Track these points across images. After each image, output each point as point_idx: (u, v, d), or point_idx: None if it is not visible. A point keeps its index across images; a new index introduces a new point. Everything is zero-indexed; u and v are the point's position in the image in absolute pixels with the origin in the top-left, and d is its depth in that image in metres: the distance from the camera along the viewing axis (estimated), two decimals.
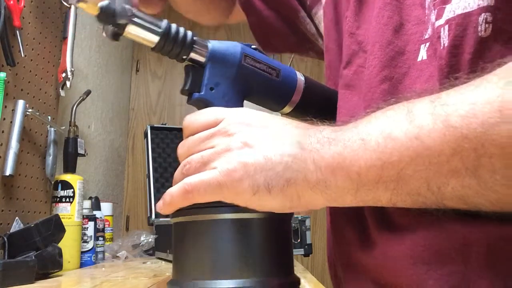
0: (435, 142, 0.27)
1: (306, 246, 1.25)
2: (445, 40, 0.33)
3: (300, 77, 0.48)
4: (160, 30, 0.39)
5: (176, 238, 0.38)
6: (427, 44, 0.36)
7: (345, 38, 0.46)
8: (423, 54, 0.36)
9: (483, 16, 0.31)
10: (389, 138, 0.29)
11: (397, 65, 0.38)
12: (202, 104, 0.41)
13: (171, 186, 0.37)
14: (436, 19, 0.34)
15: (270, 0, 0.62)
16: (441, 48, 0.33)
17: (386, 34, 0.39)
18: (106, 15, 0.37)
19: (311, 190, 0.32)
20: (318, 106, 0.50)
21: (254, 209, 0.34)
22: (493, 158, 0.25)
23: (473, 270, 0.30)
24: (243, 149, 0.34)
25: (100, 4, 0.37)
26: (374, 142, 0.29)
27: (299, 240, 1.25)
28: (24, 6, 0.87)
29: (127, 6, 0.37)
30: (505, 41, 0.30)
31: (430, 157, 0.27)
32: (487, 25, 0.31)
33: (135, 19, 0.38)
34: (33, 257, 0.69)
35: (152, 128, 1.42)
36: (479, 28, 0.31)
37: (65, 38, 1.05)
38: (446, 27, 0.33)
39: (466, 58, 0.32)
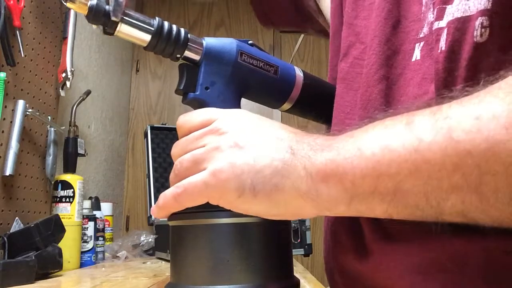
0: (436, 156, 0.25)
1: (306, 246, 1.25)
2: (442, 43, 0.32)
3: (299, 73, 0.47)
4: (152, 29, 0.38)
5: (173, 241, 0.38)
6: (422, 43, 0.35)
7: (344, 29, 0.45)
8: (417, 54, 0.36)
9: (479, 20, 0.30)
10: (387, 149, 0.27)
11: (392, 65, 0.37)
12: (198, 104, 0.40)
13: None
14: (436, 19, 0.33)
15: None
16: (438, 51, 0.32)
17: (385, 30, 0.38)
18: (96, 15, 0.36)
19: (301, 198, 0.31)
20: (318, 102, 0.49)
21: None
22: (496, 176, 0.24)
23: (469, 281, 0.29)
24: (233, 149, 0.33)
25: (90, 3, 0.36)
26: (369, 152, 0.28)
27: (299, 240, 1.25)
28: (24, 6, 0.87)
29: (117, 5, 0.36)
30: (503, 46, 0.29)
31: (429, 171, 0.26)
32: (483, 30, 0.30)
33: (126, 18, 0.37)
34: (33, 257, 0.69)
35: (152, 128, 1.42)
36: (475, 33, 0.30)
37: (65, 38, 1.05)
38: (445, 30, 0.32)
39: (463, 64, 0.31)
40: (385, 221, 0.34)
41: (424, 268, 0.32)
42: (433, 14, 0.34)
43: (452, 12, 0.32)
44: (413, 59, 0.36)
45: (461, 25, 0.31)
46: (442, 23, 0.33)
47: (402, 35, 0.38)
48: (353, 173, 0.28)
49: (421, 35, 0.36)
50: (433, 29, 0.34)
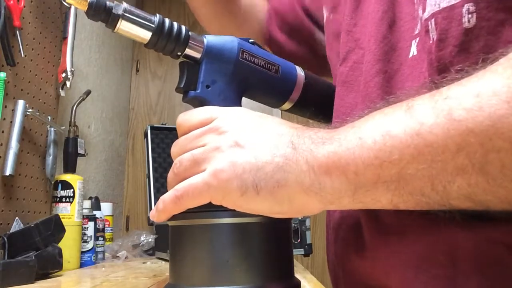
0: (438, 138, 0.25)
1: (306, 246, 1.25)
2: (433, 34, 0.33)
3: (300, 73, 0.47)
4: (152, 26, 0.37)
5: (173, 241, 0.37)
6: (417, 39, 0.36)
7: (342, 36, 0.45)
8: (414, 50, 0.36)
9: (466, 7, 0.30)
10: (388, 135, 0.27)
11: (390, 60, 0.38)
12: (198, 102, 0.40)
13: None
14: (422, 12, 0.34)
15: (289, 31, 0.64)
16: (431, 42, 0.33)
17: (381, 29, 0.39)
18: (96, 11, 0.36)
19: (305, 193, 0.30)
20: (319, 102, 0.49)
21: (251, 213, 0.33)
22: (501, 152, 0.23)
23: (461, 274, 0.29)
24: (234, 148, 0.32)
25: None
26: (371, 140, 0.28)
27: (299, 240, 1.25)
28: (24, 6, 0.87)
29: (118, 1, 0.36)
30: (491, 28, 0.30)
31: (433, 155, 0.25)
32: (470, 16, 0.30)
33: (127, 15, 0.36)
34: (33, 257, 0.68)
35: (152, 128, 1.42)
36: (463, 20, 0.30)
37: (65, 38, 1.05)
38: (433, 21, 0.33)
39: (454, 51, 0.31)
40: (381, 213, 0.34)
41: (416, 261, 0.32)
42: (421, 9, 0.35)
43: (437, 2, 0.32)
44: (410, 55, 0.36)
45: (447, 13, 0.31)
46: (426, 15, 0.33)
47: (398, 34, 0.38)
48: (355, 164, 0.28)
49: (416, 32, 0.36)
50: (422, 22, 0.34)
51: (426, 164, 0.26)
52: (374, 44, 0.39)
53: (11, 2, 0.83)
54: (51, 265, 0.74)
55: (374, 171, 0.28)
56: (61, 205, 0.93)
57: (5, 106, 0.83)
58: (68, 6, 1.05)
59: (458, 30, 0.31)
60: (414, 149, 0.26)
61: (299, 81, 0.46)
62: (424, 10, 0.34)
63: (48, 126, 0.99)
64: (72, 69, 1.01)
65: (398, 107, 0.28)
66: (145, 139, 1.42)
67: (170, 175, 0.36)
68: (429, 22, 0.33)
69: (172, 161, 0.37)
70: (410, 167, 0.26)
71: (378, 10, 0.39)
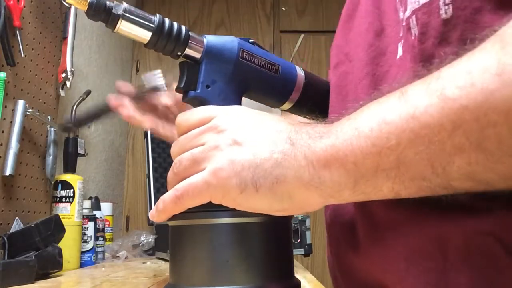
0: (433, 119, 0.25)
1: (306, 246, 1.25)
2: (415, 30, 0.33)
3: (300, 73, 0.47)
4: (152, 26, 0.37)
5: (173, 241, 0.37)
6: (402, 41, 0.36)
7: (333, 50, 0.47)
8: (400, 51, 0.37)
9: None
10: (384, 122, 0.27)
11: (378, 63, 0.38)
12: (198, 102, 0.40)
13: None
14: (404, 13, 0.35)
15: None
16: (413, 38, 0.33)
17: (367, 37, 0.40)
18: (96, 11, 0.36)
19: (305, 188, 0.30)
20: (319, 102, 0.49)
21: (252, 213, 0.33)
22: (497, 127, 0.23)
23: (452, 266, 0.29)
24: (232, 146, 0.33)
25: None
26: (367, 129, 0.28)
27: (299, 240, 1.25)
28: (24, 6, 0.87)
29: (118, 1, 0.36)
30: (467, 17, 0.30)
31: (429, 136, 0.25)
32: (446, 7, 0.31)
33: (127, 15, 0.36)
34: (33, 257, 0.68)
35: None
36: (441, 12, 0.31)
37: (65, 38, 1.05)
38: (414, 17, 0.33)
39: (435, 42, 0.32)
40: (372, 209, 0.35)
41: (408, 255, 0.32)
42: (402, 11, 0.36)
43: None
44: (398, 57, 0.37)
45: (427, 8, 0.32)
46: (408, 13, 0.34)
47: (387, 39, 0.39)
48: (354, 154, 0.28)
49: (401, 34, 0.37)
50: (404, 21, 0.35)
51: (424, 146, 0.26)
52: (362, 51, 0.40)
53: (11, 2, 0.83)
54: (51, 265, 0.74)
55: (372, 160, 0.28)
56: (61, 205, 0.93)
57: (5, 106, 0.83)
58: (68, 6, 1.05)
59: (437, 22, 0.31)
60: (411, 132, 0.26)
61: (299, 81, 0.46)
62: (405, 10, 0.35)
63: (48, 126, 0.99)
64: (72, 69, 1.01)
65: (392, 95, 0.29)
66: (145, 139, 1.41)
67: (169, 174, 0.36)
68: (410, 20, 0.34)
69: (172, 161, 0.37)
70: (408, 151, 0.26)
71: (364, 22, 0.41)
